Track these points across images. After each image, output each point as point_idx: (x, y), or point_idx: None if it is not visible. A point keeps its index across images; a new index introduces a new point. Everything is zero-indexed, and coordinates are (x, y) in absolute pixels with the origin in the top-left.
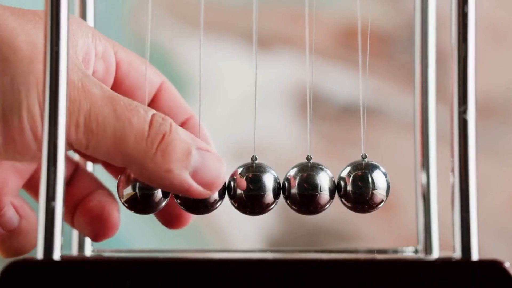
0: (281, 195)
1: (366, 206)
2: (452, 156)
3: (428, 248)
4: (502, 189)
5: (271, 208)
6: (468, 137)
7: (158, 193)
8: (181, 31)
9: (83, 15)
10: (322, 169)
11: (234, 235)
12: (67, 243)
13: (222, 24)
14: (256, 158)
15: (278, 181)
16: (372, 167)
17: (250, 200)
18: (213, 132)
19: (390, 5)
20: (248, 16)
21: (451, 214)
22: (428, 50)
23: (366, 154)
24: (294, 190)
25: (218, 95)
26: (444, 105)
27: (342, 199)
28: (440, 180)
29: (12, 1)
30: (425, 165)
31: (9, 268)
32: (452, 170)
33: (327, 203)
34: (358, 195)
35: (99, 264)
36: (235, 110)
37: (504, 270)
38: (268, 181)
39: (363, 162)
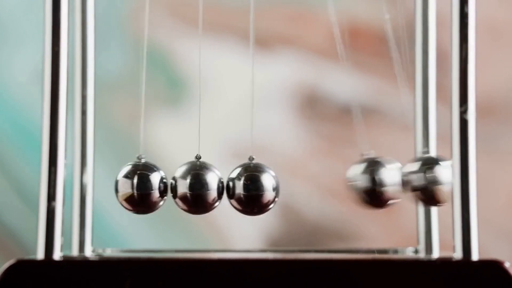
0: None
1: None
2: (452, 156)
3: (428, 248)
4: (502, 189)
5: (270, 208)
6: (468, 137)
7: (155, 193)
8: (180, 31)
9: (83, 15)
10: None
11: (234, 235)
12: (67, 243)
13: (221, 24)
14: (253, 158)
15: (276, 180)
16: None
17: (249, 200)
18: (213, 132)
19: (390, 5)
20: (248, 16)
21: (451, 214)
22: (428, 50)
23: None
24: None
25: (217, 95)
26: (444, 105)
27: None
28: None
29: (12, 1)
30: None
31: (9, 268)
32: (452, 170)
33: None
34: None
35: (99, 264)
36: (235, 110)
37: (504, 270)
38: (267, 181)
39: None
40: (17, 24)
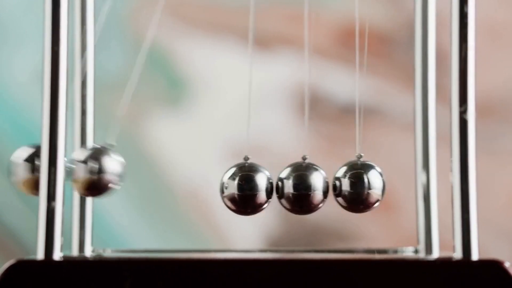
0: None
1: (362, 206)
2: (452, 156)
3: (428, 248)
4: (502, 189)
5: (263, 208)
6: (468, 137)
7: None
8: (180, 31)
9: (83, 15)
10: (316, 169)
11: (234, 235)
12: (67, 243)
13: (221, 24)
14: (248, 158)
15: (271, 181)
16: (367, 167)
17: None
18: (213, 132)
19: (390, 5)
20: (247, 17)
21: (451, 214)
22: (428, 50)
23: (362, 154)
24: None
25: (217, 95)
26: (444, 105)
27: (338, 199)
28: (440, 180)
29: (12, 1)
30: (425, 165)
31: (9, 268)
32: (452, 170)
33: (320, 202)
34: (354, 194)
35: (99, 264)
36: (234, 110)
37: (504, 270)
38: (261, 181)
39: (359, 162)
40: (17, 24)
